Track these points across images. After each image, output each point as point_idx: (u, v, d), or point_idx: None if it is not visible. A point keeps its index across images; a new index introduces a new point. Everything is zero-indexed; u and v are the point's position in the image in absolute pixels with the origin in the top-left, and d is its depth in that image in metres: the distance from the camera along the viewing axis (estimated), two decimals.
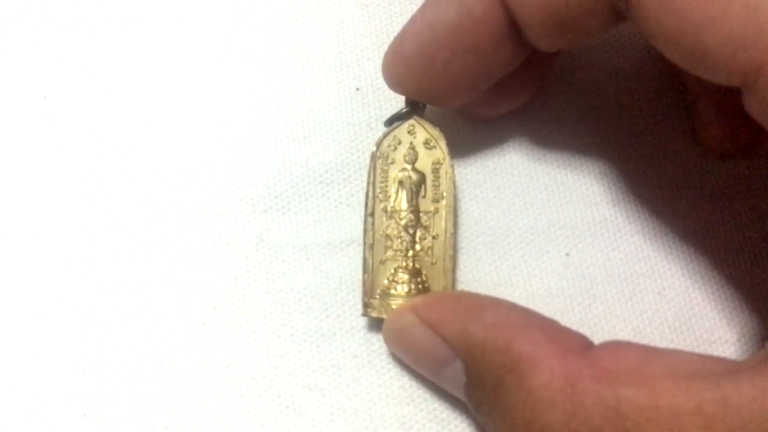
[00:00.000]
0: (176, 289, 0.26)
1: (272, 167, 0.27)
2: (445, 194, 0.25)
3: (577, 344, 0.21)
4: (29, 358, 0.25)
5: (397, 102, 0.26)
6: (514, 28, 0.23)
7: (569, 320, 0.25)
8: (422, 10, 0.24)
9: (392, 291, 0.25)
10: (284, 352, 0.25)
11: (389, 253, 0.25)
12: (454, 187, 0.26)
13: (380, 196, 0.25)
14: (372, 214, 0.25)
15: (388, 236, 0.25)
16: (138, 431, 0.24)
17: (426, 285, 0.25)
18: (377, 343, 0.25)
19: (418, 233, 0.25)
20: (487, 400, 0.21)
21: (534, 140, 0.28)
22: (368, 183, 0.25)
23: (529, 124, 0.28)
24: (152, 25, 0.29)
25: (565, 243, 0.27)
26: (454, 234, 0.25)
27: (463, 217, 0.27)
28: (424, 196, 0.25)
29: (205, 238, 0.26)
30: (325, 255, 0.26)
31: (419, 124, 0.26)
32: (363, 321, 0.26)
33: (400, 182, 0.25)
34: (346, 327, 0.25)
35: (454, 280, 0.26)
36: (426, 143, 0.26)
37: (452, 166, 0.25)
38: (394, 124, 0.26)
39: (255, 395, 0.25)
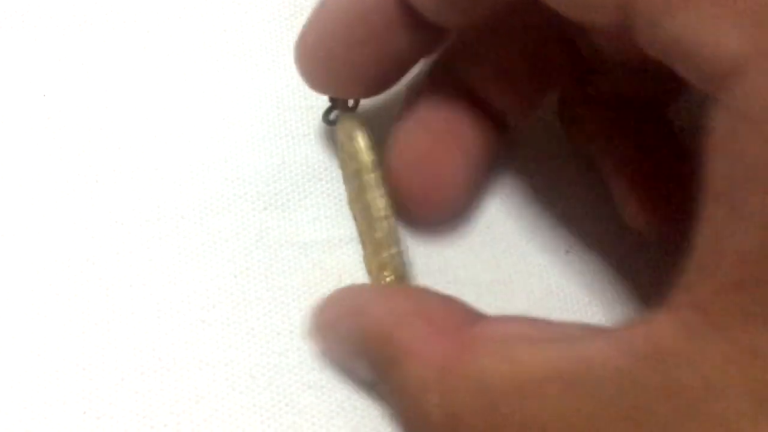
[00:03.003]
0: (176, 286, 0.26)
1: (272, 165, 0.27)
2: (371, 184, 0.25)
3: (457, 321, 0.20)
4: (28, 356, 0.25)
5: None
6: (410, 13, 0.22)
7: (569, 318, 0.26)
8: (318, 4, 0.23)
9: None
10: (284, 349, 0.25)
11: (367, 249, 0.25)
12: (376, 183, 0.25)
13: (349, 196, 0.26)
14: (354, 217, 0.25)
15: (360, 234, 0.25)
16: (138, 429, 0.24)
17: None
18: None
19: (374, 225, 0.25)
20: (385, 393, 0.21)
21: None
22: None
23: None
24: (152, 23, 0.29)
25: (565, 240, 0.27)
26: (387, 216, 0.25)
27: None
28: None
29: (205, 236, 0.26)
30: (324, 252, 0.26)
31: (344, 119, 0.25)
32: None
33: (351, 179, 0.25)
34: None
35: (393, 251, 0.25)
36: (352, 137, 0.25)
37: (372, 156, 0.24)
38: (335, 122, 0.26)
39: (255, 393, 0.25)
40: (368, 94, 0.25)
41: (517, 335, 0.19)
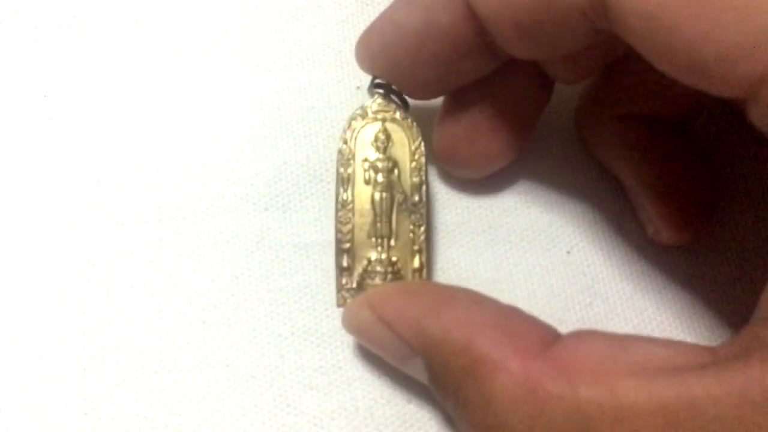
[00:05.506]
0: (177, 287, 0.26)
1: (273, 166, 0.27)
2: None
3: (539, 339, 0.20)
4: (30, 357, 0.25)
5: None
6: (483, 39, 0.22)
7: (570, 318, 0.26)
8: (392, 8, 0.24)
9: (367, 281, 0.24)
10: (285, 350, 0.25)
11: (364, 241, 0.24)
12: (421, 178, 0.25)
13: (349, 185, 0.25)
14: (342, 204, 0.24)
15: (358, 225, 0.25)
16: (139, 430, 0.24)
17: (400, 273, 0.24)
18: None
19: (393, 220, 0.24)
20: (450, 399, 0.21)
21: (535, 137, 0.28)
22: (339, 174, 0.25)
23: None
24: (153, 23, 0.29)
25: (566, 241, 0.27)
26: (423, 214, 0.25)
27: (465, 214, 0.27)
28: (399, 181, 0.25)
29: (206, 237, 0.26)
30: (326, 253, 0.26)
31: (387, 110, 0.25)
32: None
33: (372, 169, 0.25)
34: None
35: (427, 263, 0.25)
36: (393, 127, 0.25)
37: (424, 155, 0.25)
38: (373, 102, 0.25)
39: (256, 394, 0.25)
40: (424, 98, 0.26)
41: (611, 361, 0.19)
